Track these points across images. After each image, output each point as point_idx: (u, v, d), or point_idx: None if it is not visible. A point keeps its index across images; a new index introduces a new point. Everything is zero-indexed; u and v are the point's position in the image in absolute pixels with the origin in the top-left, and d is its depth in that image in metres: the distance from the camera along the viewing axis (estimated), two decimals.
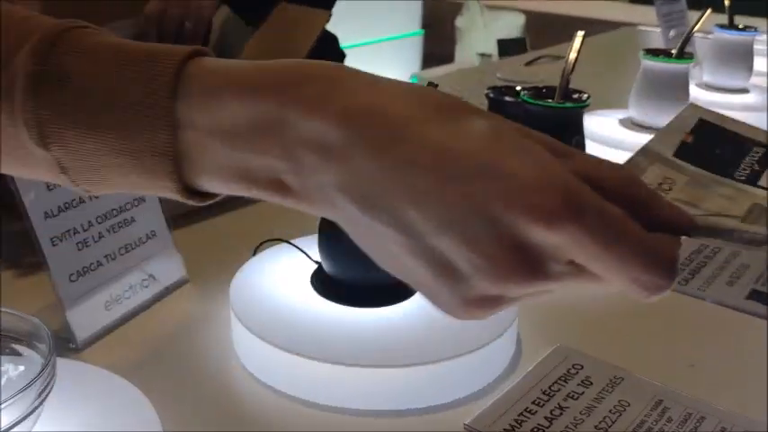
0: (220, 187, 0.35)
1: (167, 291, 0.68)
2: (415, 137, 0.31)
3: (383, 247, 0.33)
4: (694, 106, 0.41)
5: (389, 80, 0.34)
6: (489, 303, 0.32)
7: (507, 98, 0.96)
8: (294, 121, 0.32)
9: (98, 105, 0.34)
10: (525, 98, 0.79)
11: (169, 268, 0.68)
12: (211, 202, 0.37)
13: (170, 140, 0.34)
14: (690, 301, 0.70)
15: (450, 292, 0.32)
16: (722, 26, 1.31)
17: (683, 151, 0.37)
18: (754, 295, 0.71)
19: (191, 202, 0.36)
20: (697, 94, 1.27)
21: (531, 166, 0.30)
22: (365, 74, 0.34)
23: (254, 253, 0.68)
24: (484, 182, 0.30)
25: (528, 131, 0.33)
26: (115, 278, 0.62)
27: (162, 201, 0.67)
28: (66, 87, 0.34)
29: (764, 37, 1.49)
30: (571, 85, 0.81)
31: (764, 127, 1.17)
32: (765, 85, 1.40)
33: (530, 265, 0.30)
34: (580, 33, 0.81)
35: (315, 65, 0.34)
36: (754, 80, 1.36)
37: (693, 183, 0.34)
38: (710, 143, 0.38)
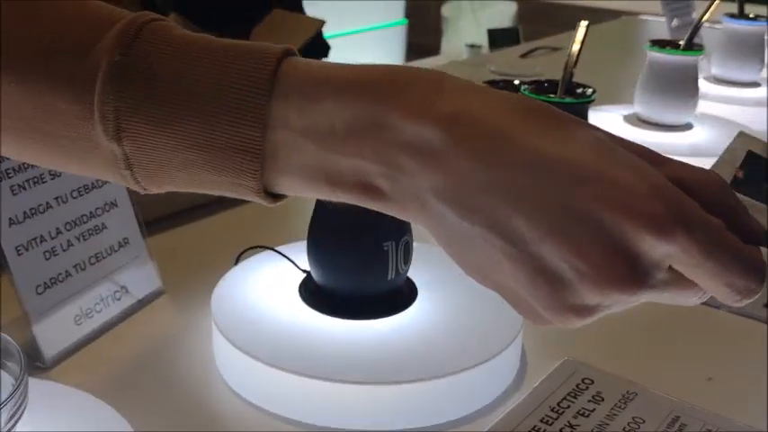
0: (300, 188, 0.37)
1: (142, 303, 0.67)
2: (521, 144, 0.33)
3: (476, 253, 0.35)
4: (743, 135, 0.43)
5: (491, 88, 0.36)
6: (586, 311, 0.35)
7: None
8: (394, 124, 0.34)
9: (182, 100, 0.35)
10: (527, 93, 0.80)
11: (143, 279, 0.68)
12: (281, 202, 0.38)
13: (260, 139, 0.35)
14: (704, 311, 0.71)
15: (549, 299, 0.34)
16: (732, 15, 1.33)
17: (736, 184, 0.39)
18: None
19: (263, 202, 0.37)
20: (706, 88, 1.28)
21: (639, 175, 0.33)
22: (466, 81, 0.36)
23: (237, 261, 0.68)
24: (593, 190, 0.32)
25: (621, 139, 0.35)
26: (85, 290, 0.62)
27: (135, 205, 0.67)
28: (150, 79, 0.35)
29: None
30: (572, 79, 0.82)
31: None
32: None
33: (636, 273, 0.33)
34: (584, 23, 0.82)
35: (416, 69, 0.36)
36: (766, 73, 1.37)
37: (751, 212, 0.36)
38: (759, 177, 0.40)
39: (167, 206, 0.83)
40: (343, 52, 1.63)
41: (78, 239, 0.62)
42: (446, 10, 4.11)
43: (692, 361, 0.64)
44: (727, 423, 0.55)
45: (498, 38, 2.85)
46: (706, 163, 1.01)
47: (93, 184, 0.63)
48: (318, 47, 1.30)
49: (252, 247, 0.69)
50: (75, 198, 0.62)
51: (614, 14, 2.44)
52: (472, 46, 3.48)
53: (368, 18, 3.80)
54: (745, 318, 0.70)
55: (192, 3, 1.13)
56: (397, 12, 4.03)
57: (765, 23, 1.31)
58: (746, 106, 1.27)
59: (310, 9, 1.43)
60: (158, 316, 0.67)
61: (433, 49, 4.04)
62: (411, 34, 4.10)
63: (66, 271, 0.61)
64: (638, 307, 0.74)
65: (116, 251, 0.65)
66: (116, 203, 0.65)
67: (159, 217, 0.81)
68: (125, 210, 0.66)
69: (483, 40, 3.46)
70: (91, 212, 0.63)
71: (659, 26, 1.91)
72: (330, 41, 1.41)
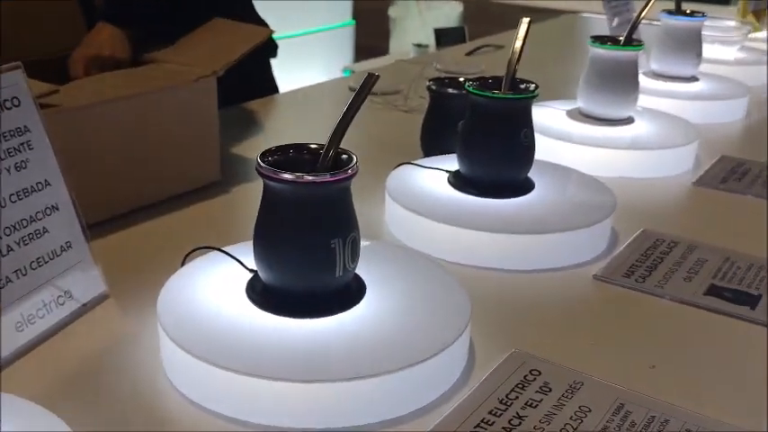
0: None
1: (86, 308, 0.66)
2: None
3: None
4: None
5: None
6: None
7: (450, 90, 0.96)
8: None
9: None
10: (471, 89, 0.80)
11: (87, 283, 0.66)
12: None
13: None
14: (647, 300, 0.72)
15: None
16: (669, 12, 1.34)
17: None
18: (714, 290, 0.73)
19: None
20: (645, 83, 1.30)
21: None
22: None
23: (183, 263, 0.67)
24: None
25: None
26: (27, 296, 0.60)
27: (77, 208, 0.65)
28: None
29: (712, 23, 1.54)
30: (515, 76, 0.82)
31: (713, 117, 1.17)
32: (714, 73, 1.44)
33: None
34: (525, 20, 0.82)
35: None
36: (704, 67, 1.40)
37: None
38: None
39: (111, 209, 0.82)
40: (290, 54, 1.62)
41: (18, 244, 0.60)
42: (393, 11, 4.12)
43: (635, 349, 0.65)
44: (669, 409, 0.56)
45: (444, 37, 2.86)
46: (648, 155, 1.03)
47: (32, 187, 0.62)
48: (266, 47, 1.29)
49: (198, 249, 0.68)
50: (14, 202, 0.60)
51: (556, 13, 2.46)
52: (419, 45, 3.48)
53: (315, 19, 3.78)
54: (686, 306, 0.71)
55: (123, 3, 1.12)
56: (344, 13, 4.02)
57: (702, 19, 1.33)
58: (685, 100, 1.28)
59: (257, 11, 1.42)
60: (103, 320, 0.66)
61: (381, 50, 4.04)
62: (358, 35, 4.10)
63: (7, 277, 0.59)
64: (582, 299, 0.74)
65: (58, 255, 0.64)
66: (57, 207, 0.64)
67: (103, 220, 0.79)
68: (67, 213, 0.65)
69: (430, 40, 3.47)
70: (31, 216, 0.61)
71: (599, 23, 1.93)
72: (277, 42, 1.39)
